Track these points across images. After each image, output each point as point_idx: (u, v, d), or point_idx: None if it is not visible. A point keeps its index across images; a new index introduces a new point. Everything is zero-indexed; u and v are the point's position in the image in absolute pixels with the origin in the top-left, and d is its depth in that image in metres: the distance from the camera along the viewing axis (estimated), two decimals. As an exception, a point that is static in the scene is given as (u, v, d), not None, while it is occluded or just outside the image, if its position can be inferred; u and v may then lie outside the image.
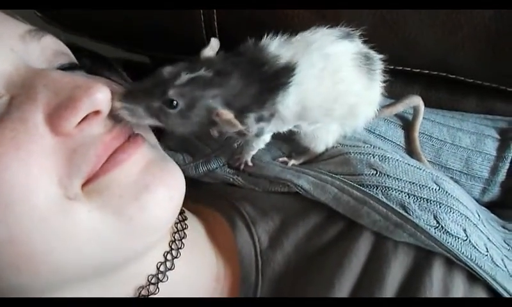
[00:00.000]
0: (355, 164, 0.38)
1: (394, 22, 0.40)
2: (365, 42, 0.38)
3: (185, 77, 0.30)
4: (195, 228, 0.40)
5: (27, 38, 0.31)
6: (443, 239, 0.34)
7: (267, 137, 0.39)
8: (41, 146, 0.27)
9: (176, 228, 0.38)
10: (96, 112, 0.28)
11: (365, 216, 0.35)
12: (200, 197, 0.44)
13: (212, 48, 0.34)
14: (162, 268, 0.35)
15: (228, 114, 0.31)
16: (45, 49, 0.32)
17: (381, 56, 0.38)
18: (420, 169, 0.39)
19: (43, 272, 0.28)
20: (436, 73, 0.47)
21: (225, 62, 0.33)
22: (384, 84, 0.40)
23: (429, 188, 0.36)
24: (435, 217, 0.35)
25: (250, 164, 0.41)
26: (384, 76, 0.39)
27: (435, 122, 0.47)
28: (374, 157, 0.38)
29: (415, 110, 0.46)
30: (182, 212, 0.40)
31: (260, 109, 0.33)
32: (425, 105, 0.49)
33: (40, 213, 0.26)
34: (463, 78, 0.46)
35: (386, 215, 0.35)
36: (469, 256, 0.34)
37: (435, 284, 0.33)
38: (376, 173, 0.37)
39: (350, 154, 0.39)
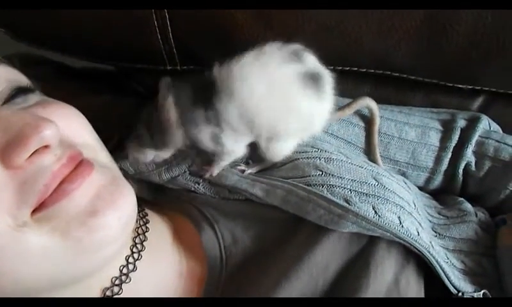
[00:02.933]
0: (303, 167, 0.42)
1: (334, 27, 0.43)
2: (309, 47, 0.41)
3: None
4: (158, 230, 0.43)
5: None
6: (381, 222, 0.38)
7: (238, 151, 0.42)
8: None
9: (137, 232, 0.40)
10: (46, 147, 0.30)
11: (311, 212, 0.39)
12: (166, 200, 0.47)
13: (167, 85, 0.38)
14: (124, 271, 0.38)
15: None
16: None
17: (329, 72, 0.41)
18: (362, 167, 0.42)
19: (6, 287, 0.30)
20: (381, 72, 0.50)
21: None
22: (336, 83, 0.43)
23: (369, 184, 0.41)
24: (373, 208, 0.39)
25: (214, 174, 0.44)
26: (334, 78, 0.42)
27: (384, 118, 0.50)
28: (320, 160, 0.42)
29: (370, 111, 0.48)
30: (144, 216, 0.43)
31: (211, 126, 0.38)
32: (375, 101, 0.53)
33: None
34: (405, 75, 0.50)
35: (329, 208, 0.38)
36: (405, 234, 0.38)
37: (379, 263, 0.37)
38: (322, 173, 0.41)
39: (298, 160, 0.43)
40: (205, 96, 0.38)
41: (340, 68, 0.49)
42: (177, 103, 0.38)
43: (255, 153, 0.43)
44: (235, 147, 0.41)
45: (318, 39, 0.41)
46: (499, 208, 0.49)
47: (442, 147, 0.50)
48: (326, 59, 0.43)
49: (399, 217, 0.39)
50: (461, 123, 0.51)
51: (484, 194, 0.50)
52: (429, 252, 0.38)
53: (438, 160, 0.50)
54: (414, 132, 0.50)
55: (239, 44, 0.42)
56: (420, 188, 0.51)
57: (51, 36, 0.50)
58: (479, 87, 0.51)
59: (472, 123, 0.51)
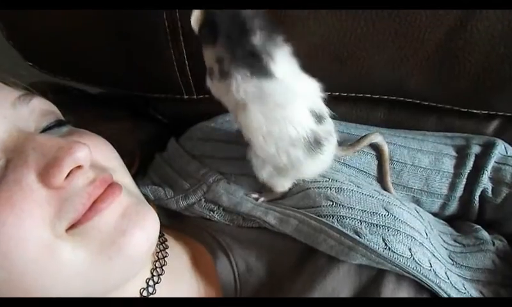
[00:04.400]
0: (314, 197, 0.43)
1: (347, 58, 0.44)
2: (322, 76, 0.42)
3: None
4: (177, 255, 0.44)
5: (17, 104, 0.35)
6: (391, 256, 0.37)
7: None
8: (34, 200, 0.31)
9: (157, 256, 0.42)
10: (79, 167, 0.33)
11: (322, 243, 0.39)
12: (183, 227, 0.48)
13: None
14: (144, 294, 0.39)
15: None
16: (33, 111, 0.36)
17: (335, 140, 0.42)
18: (372, 197, 0.43)
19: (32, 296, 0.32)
20: (394, 98, 0.51)
21: None
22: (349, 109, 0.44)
23: (379, 214, 0.41)
24: (383, 240, 0.39)
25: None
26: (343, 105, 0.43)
27: (396, 145, 0.50)
28: (330, 190, 0.43)
29: (379, 149, 0.49)
30: (163, 241, 0.44)
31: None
32: (389, 126, 0.53)
33: (31, 257, 0.31)
34: (418, 101, 0.51)
35: (340, 240, 0.39)
36: (414, 269, 0.38)
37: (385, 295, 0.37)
38: (332, 203, 0.41)
39: (310, 189, 0.43)
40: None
41: (353, 94, 0.50)
42: None
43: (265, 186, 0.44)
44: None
45: (331, 69, 0.42)
46: (517, 235, 0.49)
47: (456, 173, 0.50)
48: (339, 87, 0.44)
49: (409, 249, 0.39)
50: (476, 149, 0.51)
51: (501, 221, 0.50)
52: (439, 286, 0.38)
53: (452, 186, 0.49)
54: (427, 158, 0.50)
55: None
56: (436, 215, 0.51)
57: (74, 67, 0.53)
58: (493, 113, 0.51)
59: (487, 149, 0.50)
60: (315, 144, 0.39)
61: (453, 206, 0.50)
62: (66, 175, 0.32)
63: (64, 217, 0.32)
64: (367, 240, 0.38)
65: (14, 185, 0.31)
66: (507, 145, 0.52)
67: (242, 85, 0.37)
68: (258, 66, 0.37)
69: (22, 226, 0.30)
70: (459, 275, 0.42)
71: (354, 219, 0.40)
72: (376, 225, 0.40)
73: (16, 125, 0.34)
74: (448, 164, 0.50)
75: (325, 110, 0.41)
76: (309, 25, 0.42)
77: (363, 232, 0.39)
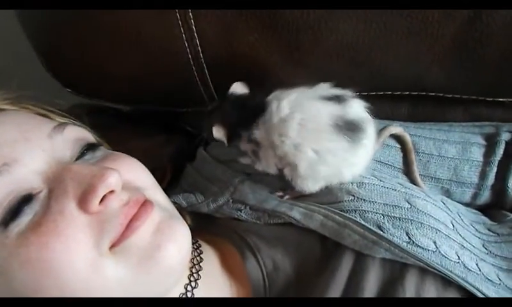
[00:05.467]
0: (336, 192, 0.44)
1: (363, 61, 0.45)
2: (340, 80, 0.43)
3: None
4: (210, 259, 0.47)
5: (52, 135, 0.39)
6: (414, 251, 0.38)
7: (265, 167, 0.46)
8: (77, 226, 0.35)
9: (193, 262, 0.45)
10: (111, 191, 0.36)
11: (346, 237, 0.40)
12: (214, 229, 0.51)
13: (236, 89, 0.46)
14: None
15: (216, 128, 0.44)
16: (67, 140, 0.40)
17: (372, 121, 0.43)
18: (395, 190, 0.43)
19: None
20: (416, 93, 0.51)
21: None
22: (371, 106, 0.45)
23: (401, 207, 0.41)
24: (407, 234, 0.39)
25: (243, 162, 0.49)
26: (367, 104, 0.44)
27: (421, 137, 0.50)
28: (352, 184, 0.43)
29: (401, 140, 0.49)
30: (198, 247, 0.47)
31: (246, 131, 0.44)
32: (414, 121, 0.53)
33: (80, 276, 0.34)
34: (442, 94, 0.50)
35: (364, 235, 0.40)
36: (439, 263, 0.38)
37: (408, 292, 0.38)
38: (354, 198, 0.42)
39: (331, 185, 0.44)
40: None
41: (374, 93, 0.51)
42: None
43: (288, 183, 0.46)
44: (266, 163, 0.46)
45: (349, 73, 0.43)
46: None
47: (486, 162, 0.49)
48: (359, 87, 0.45)
49: (434, 242, 0.39)
50: (506, 136, 0.50)
51: (538, 210, 0.49)
52: (465, 280, 0.38)
53: (482, 175, 0.49)
54: (454, 148, 0.49)
55: (273, 83, 0.45)
56: (468, 205, 0.51)
57: (107, 89, 0.57)
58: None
59: (518, 135, 0.49)
60: (350, 129, 0.41)
61: (485, 195, 0.50)
62: (100, 200, 0.35)
63: (106, 236, 0.35)
64: (390, 234, 0.39)
65: (58, 214, 0.35)
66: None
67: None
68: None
69: (69, 250, 0.34)
70: (494, 265, 0.42)
71: (377, 213, 0.41)
72: (399, 218, 0.40)
73: (54, 156, 0.38)
74: (477, 153, 0.49)
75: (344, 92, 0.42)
76: (321, 33, 0.43)
77: (386, 226, 0.40)
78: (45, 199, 0.36)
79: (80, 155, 0.40)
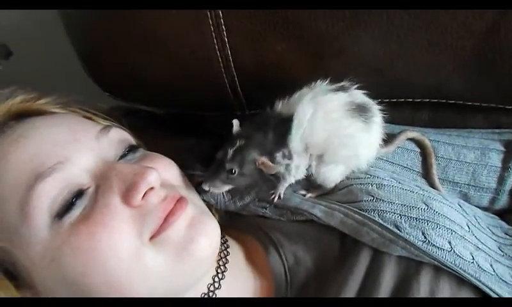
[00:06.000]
0: (356, 192, 0.47)
1: (384, 68, 0.47)
2: (361, 87, 0.46)
3: (231, 151, 0.45)
4: (236, 253, 0.50)
5: (99, 136, 0.43)
6: (429, 250, 0.41)
7: (297, 175, 0.48)
8: (121, 218, 0.39)
9: (220, 255, 0.48)
10: (151, 188, 0.40)
11: (365, 235, 0.43)
12: (241, 226, 0.55)
13: (236, 126, 0.48)
14: (212, 288, 0.45)
15: (264, 159, 0.45)
16: (112, 142, 0.44)
17: (377, 106, 0.46)
18: (413, 191, 0.46)
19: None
20: (436, 100, 0.53)
21: (249, 130, 0.47)
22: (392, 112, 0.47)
23: (418, 208, 0.44)
24: (423, 233, 0.42)
25: (282, 196, 0.51)
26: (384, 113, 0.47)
27: (440, 142, 0.52)
28: (372, 186, 0.46)
29: (420, 144, 0.52)
30: (225, 241, 0.51)
31: (281, 148, 0.46)
32: (434, 127, 0.55)
33: (123, 264, 0.38)
34: (461, 102, 0.52)
35: (381, 233, 0.42)
36: (453, 263, 0.40)
37: (422, 288, 0.40)
38: (373, 198, 0.45)
39: (352, 185, 0.47)
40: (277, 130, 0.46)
41: (395, 100, 0.53)
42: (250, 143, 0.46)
43: (312, 182, 0.49)
44: (298, 170, 0.48)
45: (370, 80, 0.46)
46: None
47: (505, 167, 0.51)
48: (380, 94, 0.47)
49: (449, 242, 0.42)
50: None
51: (554, 215, 0.50)
52: (478, 280, 0.40)
53: (501, 180, 0.51)
54: (473, 154, 0.51)
55: (297, 88, 0.48)
56: (486, 209, 0.52)
57: (142, 93, 0.62)
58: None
59: (537, 143, 0.51)
60: (362, 110, 0.44)
61: (503, 200, 0.52)
62: (142, 196, 0.39)
63: (146, 228, 0.39)
64: (407, 234, 0.42)
65: (104, 208, 0.39)
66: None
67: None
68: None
69: (114, 240, 0.38)
70: (509, 267, 0.44)
71: (394, 213, 0.43)
72: (416, 219, 0.43)
73: (101, 156, 0.42)
74: (496, 159, 0.51)
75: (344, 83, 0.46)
76: (343, 44, 0.46)
77: (403, 226, 0.42)
78: (92, 194, 0.40)
79: (123, 155, 0.44)
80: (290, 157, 0.46)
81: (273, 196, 0.50)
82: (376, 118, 0.46)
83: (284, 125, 0.45)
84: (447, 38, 0.43)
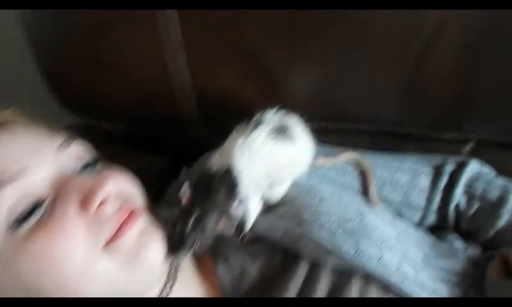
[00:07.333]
0: (299, 206, 0.50)
1: (322, 95, 0.53)
2: (304, 113, 0.50)
3: (190, 222, 0.44)
4: (186, 263, 0.52)
5: (59, 150, 0.45)
6: (360, 260, 0.45)
7: (255, 212, 0.50)
8: (77, 225, 0.41)
9: (171, 265, 0.50)
10: (107, 197, 0.42)
11: (303, 248, 0.47)
12: None
13: (186, 191, 0.46)
14: (163, 295, 0.47)
15: (224, 222, 0.45)
16: (71, 156, 0.46)
17: (296, 119, 0.50)
18: (350, 206, 0.50)
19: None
20: (374, 130, 0.59)
21: (200, 195, 0.46)
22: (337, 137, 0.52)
23: (354, 220, 0.48)
24: (356, 244, 0.46)
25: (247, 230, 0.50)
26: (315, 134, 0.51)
27: (377, 165, 0.58)
28: (314, 199, 0.51)
29: (360, 166, 0.57)
30: None
31: (234, 200, 0.45)
32: (375, 150, 0.61)
33: (77, 268, 0.40)
34: (397, 129, 0.59)
35: (318, 245, 0.46)
36: (380, 271, 0.45)
37: (353, 295, 0.45)
38: (314, 211, 0.49)
39: (296, 198, 0.51)
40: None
41: (337, 127, 0.59)
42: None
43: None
44: (254, 208, 0.50)
45: (311, 109, 0.50)
46: (490, 243, 0.54)
47: (432, 188, 0.57)
48: (322, 119, 0.52)
49: (378, 252, 0.46)
50: (451, 167, 0.57)
51: (475, 231, 0.55)
52: (401, 285, 0.44)
53: (429, 200, 0.56)
54: (406, 176, 0.57)
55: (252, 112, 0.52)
56: (418, 225, 0.58)
57: (104, 111, 0.64)
58: (464, 136, 0.58)
59: (461, 167, 0.57)
60: (282, 130, 0.47)
61: (431, 218, 0.57)
62: (98, 204, 0.42)
63: (102, 235, 0.41)
64: (341, 244, 0.46)
65: (62, 215, 0.41)
66: (483, 163, 0.58)
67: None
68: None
69: (70, 245, 0.40)
70: (431, 276, 0.48)
71: (332, 224, 0.47)
72: (350, 230, 0.47)
73: (59, 168, 0.44)
74: (425, 181, 0.57)
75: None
76: (288, 74, 0.51)
77: (338, 237, 0.46)
78: (50, 203, 0.42)
79: (83, 168, 0.47)
80: (244, 202, 0.46)
81: (241, 237, 0.49)
82: (296, 129, 0.49)
83: (227, 178, 0.46)
84: (379, 67, 0.49)
